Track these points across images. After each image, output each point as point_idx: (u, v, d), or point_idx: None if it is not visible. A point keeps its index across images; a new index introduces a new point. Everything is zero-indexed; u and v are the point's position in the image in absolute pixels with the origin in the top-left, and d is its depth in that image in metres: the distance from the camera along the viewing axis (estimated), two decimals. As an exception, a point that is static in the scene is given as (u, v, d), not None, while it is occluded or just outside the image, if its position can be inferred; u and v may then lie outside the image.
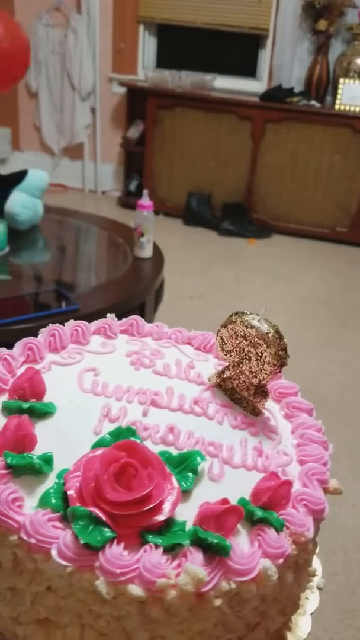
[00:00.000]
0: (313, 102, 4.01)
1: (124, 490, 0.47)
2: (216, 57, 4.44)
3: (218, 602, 0.45)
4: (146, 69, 4.50)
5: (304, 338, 2.80)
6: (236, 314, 0.62)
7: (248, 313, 0.61)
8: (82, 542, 0.45)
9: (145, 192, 2.06)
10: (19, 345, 0.64)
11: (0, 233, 1.90)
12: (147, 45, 4.52)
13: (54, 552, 0.45)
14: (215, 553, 0.46)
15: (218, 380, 0.64)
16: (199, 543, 0.46)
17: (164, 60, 4.54)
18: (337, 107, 3.94)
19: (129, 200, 4.24)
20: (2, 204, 2.06)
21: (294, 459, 0.59)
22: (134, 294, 1.77)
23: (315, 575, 0.62)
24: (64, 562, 0.44)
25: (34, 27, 4.43)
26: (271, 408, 0.65)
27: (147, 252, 2.02)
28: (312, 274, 3.66)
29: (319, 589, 0.62)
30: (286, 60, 4.13)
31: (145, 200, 1.99)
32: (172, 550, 0.46)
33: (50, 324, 0.70)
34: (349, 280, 3.67)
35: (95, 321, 0.71)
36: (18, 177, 2.16)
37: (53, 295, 1.72)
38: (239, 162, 4.15)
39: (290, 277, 3.61)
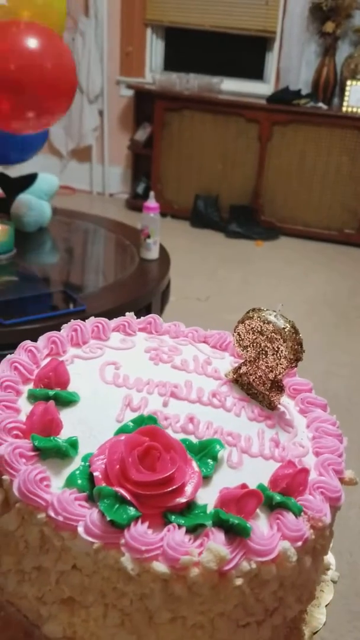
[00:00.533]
0: (320, 104, 4.01)
1: (148, 471, 0.49)
2: (223, 59, 4.45)
3: (239, 581, 0.46)
4: (154, 71, 4.51)
5: (311, 340, 2.79)
6: (253, 310, 0.64)
7: (265, 309, 0.63)
8: (108, 519, 0.46)
9: (152, 194, 2.07)
10: (43, 339, 0.66)
11: (7, 234, 1.92)
12: (154, 48, 4.53)
13: (80, 529, 0.46)
14: (236, 534, 0.47)
15: (235, 376, 0.66)
16: (221, 524, 0.48)
17: (171, 63, 4.56)
18: (344, 109, 3.94)
19: (136, 203, 4.25)
20: (9, 206, 2.07)
21: (310, 450, 0.60)
22: (140, 295, 1.78)
23: (329, 568, 0.63)
24: (90, 539, 0.46)
25: (42, 31, 4.45)
26: (286, 403, 0.66)
27: (153, 253, 2.03)
28: (319, 275, 3.66)
29: (334, 582, 0.62)
30: (293, 62, 4.13)
31: (152, 202, 2.00)
32: (194, 531, 0.48)
33: (70, 321, 0.72)
34: (357, 282, 3.67)
35: (114, 319, 0.73)
36: (28, 181, 2.18)
37: (60, 297, 1.72)
38: (246, 165, 4.16)
39: (298, 279, 3.60)
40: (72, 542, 0.47)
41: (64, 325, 0.70)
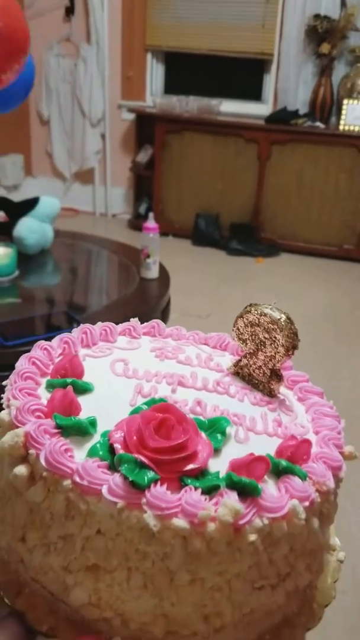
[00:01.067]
0: (318, 124, 4.08)
1: (163, 440, 0.53)
2: (222, 82, 4.55)
3: (253, 537, 0.50)
4: (154, 95, 4.61)
5: (312, 355, 2.82)
6: (250, 305, 0.69)
7: (261, 304, 0.68)
8: (130, 479, 0.50)
9: (151, 215, 2.13)
10: (56, 340, 0.72)
11: (10, 257, 1.97)
12: (154, 72, 4.64)
13: (104, 490, 0.50)
14: (248, 495, 0.52)
15: (236, 369, 0.72)
16: (233, 486, 0.52)
17: (171, 86, 4.66)
18: (341, 127, 4.01)
19: (138, 223, 4.32)
20: (12, 229, 2.13)
21: (311, 430, 0.65)
22: (140, 314, 1.81)
23: (335, 549, 0.67)
24: (114, 499, 0.50)
25: (45, 57, 4.57)
26: (285, 393, 0.71)
27: (153, 272, 2.08)
28: (319, 291, 3.69)
29: (340, 561, 0.66)
30: (291, 83, 4.22)
31: (151, 223, 2.05)
32: (209, 493, 0.52)
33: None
34: (357, 297, 3.70)
35: (120, 324, 0.79)
36: (30, 204, 2.23)
37: (61, 317, 1.77)
38: (245, 183, 4.23)
39: (298, 294, 3.64)
40: (97, 506, 0.50)
41: (74, 329, 0.76)
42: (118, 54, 4.53)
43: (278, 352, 0.66)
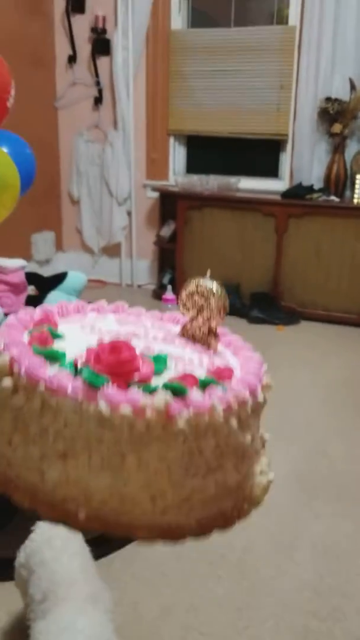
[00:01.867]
0: (332, 197, 4.25)
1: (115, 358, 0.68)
2: (240, 161, 4.80)
3: (182, 423, 0.64)
4: (176, 174, 4.88)
5: (332, 423, 2.84)
6: (191, 279, 0.86)
7: (199, 278, 0.86)
8: (88, 380, 0.65)
9: (169, 287, 2.27)
10: (38, 309, 0.89)
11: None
12: (177, 154, 4.93)
13: (69, 389, 0.65)
14: (178, 396, 0.66)
15: (182, 332, 0.89)
16: (167, 389, 0.66)
17: (192, 166, 4.93)
18: (355, 200, 4.18)
19: (162, 293, 4.48)
20: (41, 302, 2.28)
21: (238, 369, 0.81)
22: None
23: (265, 470, 0.81)
24: (76, 395, 0.64)
25: (75, 143, 4.92)
26: (222, 350, 0.88)
27: (171, 342, 2.18)
28: (339, 359, 3.73)
29: (270, 481, 0.80)
30: (305, 161, 4.44)
31: (169, 295, 2.19)
32: (150, 394, 0.66)
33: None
34: (377, 364, 3.71)
35: (91, 304, 0.97)
36: (59, 279, 2.39)
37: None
38: (264, 255, 4.38)
39: (319, 361, 3.69)
40: (64, 402, 0.65)
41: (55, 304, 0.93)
42: (143, 138, 4.85)
43: (213, 314, 0.84)
